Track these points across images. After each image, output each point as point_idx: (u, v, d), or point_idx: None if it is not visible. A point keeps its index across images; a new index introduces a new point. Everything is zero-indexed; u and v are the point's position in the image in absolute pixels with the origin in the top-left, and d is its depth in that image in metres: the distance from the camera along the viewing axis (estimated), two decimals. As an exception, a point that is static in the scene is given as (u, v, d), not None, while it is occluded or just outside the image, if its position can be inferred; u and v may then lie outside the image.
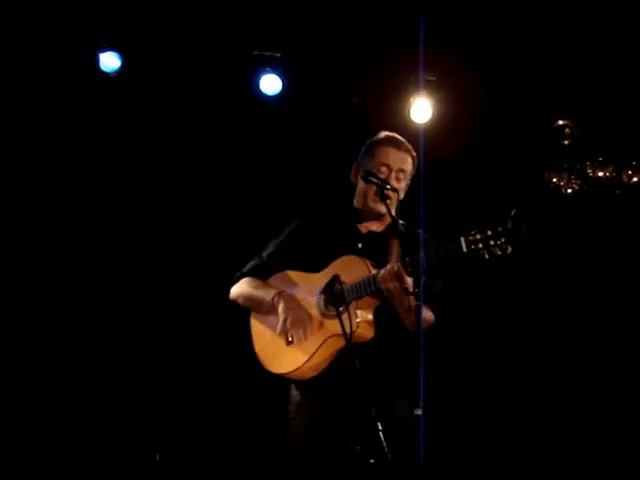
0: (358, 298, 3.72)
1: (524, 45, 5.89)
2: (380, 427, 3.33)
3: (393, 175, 3.91)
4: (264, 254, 4.05)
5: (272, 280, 3.98)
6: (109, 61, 5.95)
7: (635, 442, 5.95)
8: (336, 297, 3.68)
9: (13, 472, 5.79)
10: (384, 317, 3.76)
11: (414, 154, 4.01)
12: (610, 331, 6.16)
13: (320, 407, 3.80)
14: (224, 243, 6.16)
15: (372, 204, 3.92)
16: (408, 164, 3.96)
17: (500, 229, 3.51)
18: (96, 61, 5.93)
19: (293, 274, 3.94)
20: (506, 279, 6.10)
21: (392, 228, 3.90)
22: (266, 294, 3.91)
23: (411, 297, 3.58)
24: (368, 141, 4.05)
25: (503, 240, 3.49)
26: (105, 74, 5.98)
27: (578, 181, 6.17)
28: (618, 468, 5.90)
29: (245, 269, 4.07)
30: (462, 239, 3.54)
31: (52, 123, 6.12)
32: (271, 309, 3.88)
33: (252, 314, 4.00)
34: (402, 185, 3.93)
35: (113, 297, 6.17)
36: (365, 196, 3.94)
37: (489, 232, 3.51)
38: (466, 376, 6.30)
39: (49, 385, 6.07)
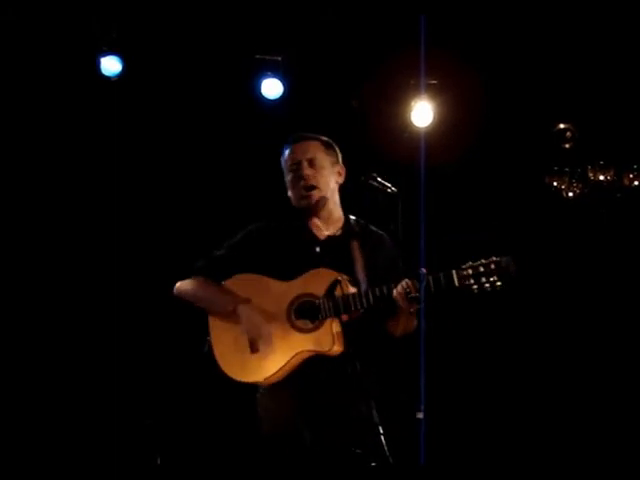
0: (349, 312, 3.64)
1: (525, 49, 5.89)
2: (381, 430, 3.32)
3: (304, 166, 3.83)
4: (218, 254, 3.94)
5: (230, 282, 3.85)
6: (110, 65, 5.96)
7: (635, 442, 5.95)
8: (335, 301, 3.64)
9: (14, 473, 5.78)
10: (353, 329, 3.68)
11: (322, 139, 3.94)
12: (611, 333, 6.17)
13: (298, 413, 3.70)
14: (219, 241, 6.14)
15: (305, 201, 3.83)
16: (314, 151, 3.88)
17: (493, 266, 3.48)
18: (97, 65, 5.93)
19: (255, 278, 3.82)
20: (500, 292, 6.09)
21: (349, 229, 3.85)
22: (226, 300, 3.80)
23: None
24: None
25: (495, 277, 3.47)
26: (106, 78, 5.98)
27: (579, 184, 6.18)
28: (618, 468, 5.90)
29: (197, 266, 3.95)
30: (454, 272, 3.50)
31: (53, 127, 6.13)
32: (231, 315, 3.77)
33: (210, 317, 3.88)
34: (320, 173, 3.83)
35: (113, 297, 6.17)
36: (297, 198, 3.86)
37: (481, 268, 3.47)
38: (466, 379, 6.29)
39: (50, 386, 6.07)
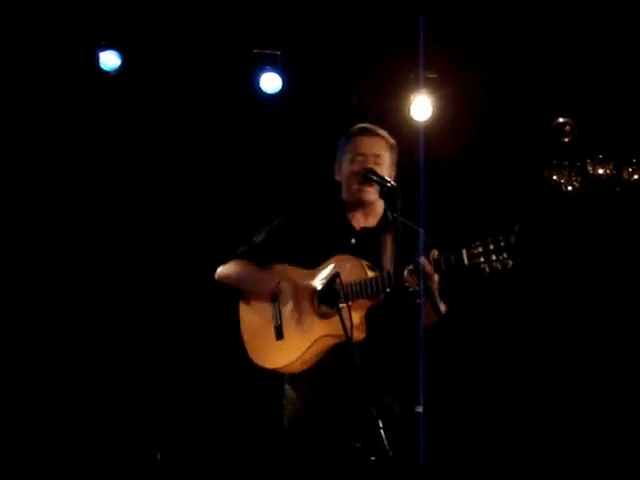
0: (358, 297, 3.68)
1: (524, 43, 5.89)
2: (381, 425, 3.32)
3: (370, 161, 3.86)
4: (257, 241, 3.99)
5: (269, 269, 3.91)
6: (109, 60, 5.95)
7: (635, 442, 5.95)
8: (335, 295, 3.65)
9: (14, 472, 5.79)
10: (378, 317, 3.73)
11: (390, 140, 3.97)
12: (610, 328, 6.17)
13: (311, 402, 3.79)
14: (223, 240, 6.14)
15: (359, 194, 3.87)
16: (382, 148, 3.92)
17: (503, 243, 3.48)
18: (96, 60, 5.92)
19: (289, 268, 3.88)
20: (506, 276, 6.09)
21: (385, 222, 3.89)
22: (268, 276, 3.86)
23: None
24: (342, 138, 4.03)
25: (505, 255, 3.47)
26: (105, 73, 5.98)
27: (578, 179, 6.17)
28: (618, 466, 5.90)
29: (238, 251, 4.00)
30: (464, 251, 3.51)
31: (52, 122, 6.12)
32: (263, 296, 3.85)
33: (241, 303, 3.95)
34: (382, 170, 3.85)
35: (113, 296, 6.17)
36: (351, 187, 3.89)
37: (491, 246, 3.48)
38: (467, 373, 6.30)
39: (50, 385, 6.07)
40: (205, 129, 6.32)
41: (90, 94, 6.08)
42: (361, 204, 3.91)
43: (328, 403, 3.76)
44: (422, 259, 3.55)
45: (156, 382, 6.16)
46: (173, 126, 6.27)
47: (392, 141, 3.98)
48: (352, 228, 3.93)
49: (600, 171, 6.13)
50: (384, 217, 3.92)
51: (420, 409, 3.45)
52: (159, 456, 5.94)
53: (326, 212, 4.00)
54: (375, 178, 3.82)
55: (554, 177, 6.20)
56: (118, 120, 6.13)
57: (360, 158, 3.88)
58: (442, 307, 3.72)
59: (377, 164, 3.87)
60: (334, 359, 3.73)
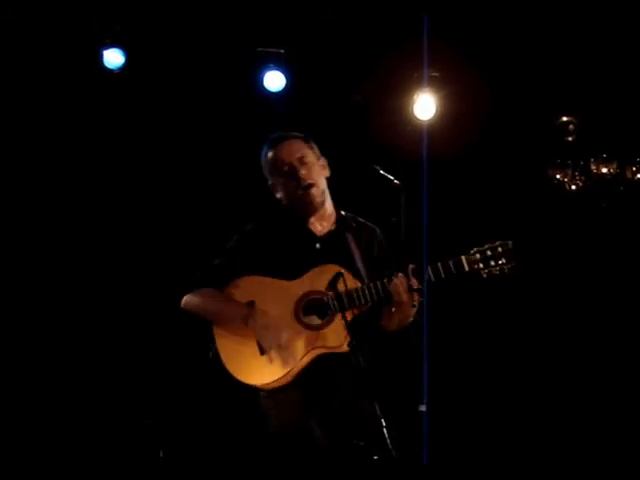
0: (356, 306, 3.64)
1: (528, 41, 5.88)
2: (384, 423, 3.32)
3: (297, 166, 3.80)
4: (217, 262, 3.88)
5: (234, 287, 3.80)
6: (113, 58, 5.95)
7: (635, 442, 5.95)
8: (339, 293, 3.63)
9: (16, 469, 5.80)
10: (356, 323, 3.66)
11: (298, 136, 3.93)
12: (612, 326, 6.17)
13: (304, 403, 3.71)
14: (225, 236, 6.13)
15: (307, 198, 3.80)
16: (300, 149, 3.87)
17: (501, 249, 3.48)
18: (100, 58, 5.92)
19: (258, 280, 3.79)
20: (509, 275, 6.08)
21: (342, 222, 3.86)
22: (233, 311, 3.74)
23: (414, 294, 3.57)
24: (261, 160, 3.96)
25: (504, 260, 3.48)
26: (109, 71, 5.98)
27: (582, 178, 6.17)
28: (619, 465, 5.90)
29: (197, 278, 3.88)
30: (463, 257, 3.52)
31: (56, 119, 6.12)
32: (237, 321, 3.73)
33: (214, 328, 3.82)
34: (312, 169, 3.82)
35: (113, 295, 6.17)
36: (296, 196, 3.81)
37: (489, 252, 3.49)
38: (469, 373, 6.30)
39: (52, 383, 6.07)
40: (209, 127, 6.32)
41: (94, 92, 6.07)
42: (313, 208, 3.84)
43: (323, 404, 3.72)
44: (427, 269, 3.55)
45: (158, 380, 6.16)
46: (176, 124, 6.27)
47: (302, 135, 3.94)
48: (312, 234, 3.86)
49: (603, 170, 6.13)
50: (339, 217, 3.89)
51: (423, 408, 3.46)
52: (162, 454, 5.94)
53: (284, 222, 3.90)
54: (378, 176, 3.82)
55: (557, 176, 6.19)
56: (122, 118, 6.13)
57: (287, 168, 3.82)
58: (410, 317, 3.71)
59: (304, 165, 3.81)
60: (326, 365, 3.67)
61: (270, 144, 3.92)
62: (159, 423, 6.04)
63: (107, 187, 6.24)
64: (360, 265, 3.73)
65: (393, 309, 3.62)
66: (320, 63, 6.22)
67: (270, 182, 3.92)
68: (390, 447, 3.27)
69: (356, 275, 3.70)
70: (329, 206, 3.90)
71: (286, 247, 3.82)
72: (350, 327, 3.57)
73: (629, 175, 6.10)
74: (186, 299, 3.88)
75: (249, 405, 3.86)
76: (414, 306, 3.58)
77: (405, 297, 3.56)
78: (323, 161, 3.92)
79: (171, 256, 6.29)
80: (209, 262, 3.90)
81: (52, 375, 6.08)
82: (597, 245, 6.19)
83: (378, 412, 3.34)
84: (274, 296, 3.73)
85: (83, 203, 6.25)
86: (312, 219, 3.88)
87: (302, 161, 3.82)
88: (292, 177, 3.80)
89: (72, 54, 5.93)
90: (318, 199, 3.82)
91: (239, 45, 6.07)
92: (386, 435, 3.29)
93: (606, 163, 6.13)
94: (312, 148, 3.91)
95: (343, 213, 3.92)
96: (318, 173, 3.85)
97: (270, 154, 3.89)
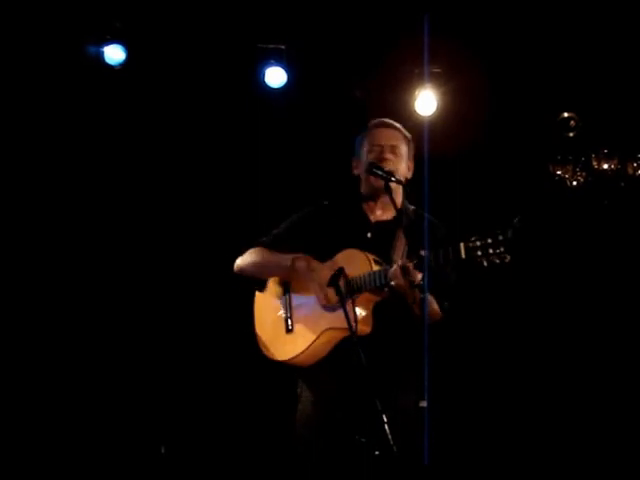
0: (361, 292, 3.72)
1: (529, 37, 5.88)
2: (385, 419, 3.33)
3: (387, 150, 3.93)
4: (276, 232, 4.07)
5: (286, 255, 3.96)
6: (114, 54, 5.96)
7: (635, 441, 5.96)
8: (340, 290, 3.66)
9: (19, 462, 5.80)
10: (385, 312, 3.76)
11: (405, 133, 4.05)
12: (613, 323, 6.17)
13: (321, 394, 3.85)
14: (227, 233, 6.15)
15: (374, 183, 3.91)
16: (398, 139, 3.99)
17: (501, 237, 3.48)
18: (101, 54, 5.92)
19: (306, 258, 3.92)
20: (511, 271, 6.08)
21: (402, 216, 3.90)
22: (283, 258, 3.92)
23: (417, 290, 3.58)
24: (361, 132, 4.10)
25: (502, 249, 3.47)
26: (110, 67, 5.98)
27: (583, 173, 6.17)
28: (619, 463, 5.91)
29: (258, 241, 4.07)
30: (462, 245, 3.52)
31: (57, 115, 6.11)
32: (279, 282, 3.95)
33: (256, 295, 4.05)
34: (399, 161, 3.94)
35: (114, 289, 6.18)
36: (371, 184, 3.94)
37: (489, 240, 3.48)
38: (471, 369, 6.30)
39: (52, 377, 6.07)
40: (210, 123, 6.32)
41: (95, 88, 6.07)
42: (377, 195, 3.95)
43: (334, 400, 3.79)
44: (426, 252, 3.56)
45: (159, 376, 6.17)
46: (177, 121, 6.27)
47: (408, 134, 4.06)
48: (369, 221, 3.98)
49: (605, 166, 6.13)
50: (400, 211, 3.92)
51: (424, 404, 3.46)
52: (163, 450, 5.95)
53: (344, 206, 4.04)
54: (380, 172, 3.84)
55: (559, 172, 6.19)
56: (123, 114, 6.13)
57: (377, 148, 3.95)
58: (435, 305, 3.77)
59: (394, 154, 3.94)
60: (343, 355, 3.74)
61: (376, 124, 4.06)
62: (161, 419, 6.05)
63: (109, 183, 6.24)
64: (398, 257, 3.79)
65: (396, 294, 3.66)
66: (321, 59, 6.22)
67: (356, 156, 4.05)
68: (391, 443, 3.28)
69: (383, 263, 3.75)
70: (397, 200, 3.92)
71: (341, 232, 3.93)
72: (376, 314, 3.71)
73: (630, 171, 6.10)
74: (241, 259, 4.08)
75: (253, 401, 3.92)
76: (416, 286, 3.57)
77: (402, 281, 3.58)
78: (411, 163, 4.04)
79: (171, 253, 6.30)
80: (270, 231, 4.08)
81: (52, 370, 6.09)
82: (598, 241, 6.20)
83: (379, 408, 3.35)
84: (312, 273, 3.86)
85: (84, 199, 6.25)
86: (374, 207, 4.00)
87: (394, 150, 3.95)
88: (378, 158, 3.92)
89: (74, 50, 5.92)
90: (389, 188, 3.85)
91: (240, 41, 6.07)
92: (387, 431, 3.30)
93: (607, 159, 6.13)
94: (409, 146, 4.04)
95: (412, 207, 4.01)
96: (402, 167, 3.96)
97: (370, 131, 4.04)
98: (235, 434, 6.18)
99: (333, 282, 3.66)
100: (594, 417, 6.09)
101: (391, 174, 3.83)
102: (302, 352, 3.80)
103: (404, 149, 3.99)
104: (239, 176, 6.36)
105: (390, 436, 3.29)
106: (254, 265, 4.02)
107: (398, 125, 4.06)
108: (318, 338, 3.78)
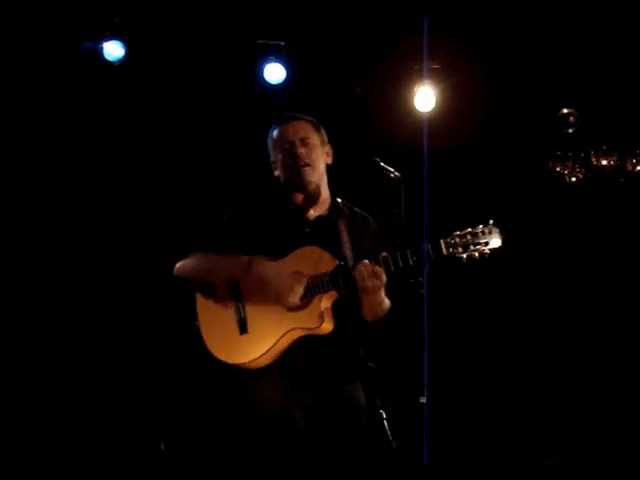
0: (324, 291, 3.65)
1: (528, 33, 5.88)
2: (385, 415, 3.33)
3: (298, 145, 3.85)
4: (211, 233, 3.93)
5: (232, 257, 3.81)
6: (113, 50, 5.95)
7: (635, 440, 5.96)
8: (339, 286, 3.63)
9: (20, 458, 5.81)
10: (341, 309, 3.69)
11: (311, 119, 3.96)
12: (612, 319, 6.17)
13: (290, 393, 3.68)
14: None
15: (300, 174, 3.83)
16: (307, 130, 3.91)
17: (480, 234, 3.47)
18: (100, 50, 5.92)
19: (246, 260, 3.79)
20: (508, 267, 6.10)
21: (335, 209, 3.88)
22: (237, 259, 3.76)
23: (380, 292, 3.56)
24: (268, 136, 4.02)
25: (482, 245, 3.46)
26: (109, 63, 5.98)
27: (582, 169, 6.18)
28: (619, 461, 5.91)
29: (195, 248, 3.91)
30: (442, 241, 3.49)
31: (56, 112, 6.11)
32: (221, 295, 3.79)
33: (198, 298, 3.87)
34: (314, 152, 3.86)
35: (113, 286, 6.18)
36: (290, 173, 3.86)
37: (469, 236, 3.47)
38: (469, 365, 6.31)
39: (51, 375, 6.08)
40: (209, 120, 6.32)
41: (94, 84, 6.07)
42: (306, 189, 3.86)
43: (309, 394, 3.70)
44: (426, 245, 3.54)
45: (158, 372, 6.17)
46: (177, 117, 6.27)
47: (313, 119, 3.97)
48: (304, 217, 3.90)
49: (604, 162, 6.13)
50: (333, 204, 3.91)
51: (424, 400, 3.46)
52: (163, 446, 5.95)
53: (272, 203, 3.95)
54: (382, 164, 3.83)
55: (558, 168, 6.20)
56: (122, 110, 6.13)
57: (287, 145, 3.87)
58: (386, 304, 3.69)
59: (306, 146, 3.85)
60: (305, 350, 3.68)
61: (278, 121, 3.98)
62: (160, 415, 6.06)
63: (107, 179, 6.24)
64: (348, 253, 3.73)
65: (361, 296, 3.61)
66: (320, 55, 6.22)
67: (272, 159, 3.98)
68: (390, 439, 3.28)
69: (340, 261, 3.69)
70: (324, 192, 3.91)
71: (277, 229, 3.84)
72: (346, 315, 3.62)
73: (629, 167, 6.11)
74: (179, 264, 3.92)
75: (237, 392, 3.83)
76: (375, 292, 3.53)
77: (369, 283, 3.53)
78: (328, 148, 3.96)
79: (170, 251, 6.28)
80: (203, 233, 3.94)
81: (51, 367, 6.08)
82: (597, 237, 6.20)
83: (378, 404, 3.35)
84: (261, 275, 3.73)
85: (83, 196, 6.25)
86: (304, 202, 3.90)
87: (304, 142, 3.87)
88: (291, 154, 3.85)
89: (72, 46, 5.92)
90: (312, 180, 3.83)
91: (239, 37, 6.07)
92: (386, 427, 3.30)
93: (606, 155, 6.13)
94: (319, 133, 3.95)
95: (339, 200, 3.93)
96: (318, 156, 3.88)
97: (276, 131, 3.95)
98: (235, 432, 6.17)
99: (333, 278, 3.62)
100: (594, 414, 6.09)
101: (389, 169, 3.82)
102: (264, 353, 3.66)
103: (315, 137, 3.91)
104: (238, 172, 6.35)
105: (389, 432, 3.30)
106: (201, 269, 3.85)
107: (301, 115, 3.97)
108: (281, 338, 3.65)
